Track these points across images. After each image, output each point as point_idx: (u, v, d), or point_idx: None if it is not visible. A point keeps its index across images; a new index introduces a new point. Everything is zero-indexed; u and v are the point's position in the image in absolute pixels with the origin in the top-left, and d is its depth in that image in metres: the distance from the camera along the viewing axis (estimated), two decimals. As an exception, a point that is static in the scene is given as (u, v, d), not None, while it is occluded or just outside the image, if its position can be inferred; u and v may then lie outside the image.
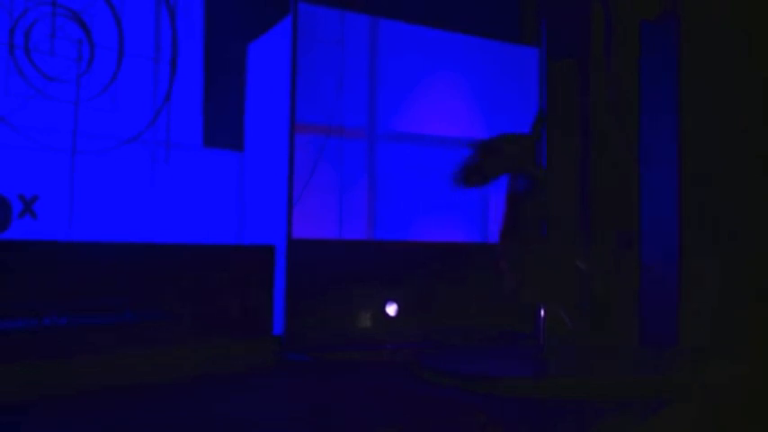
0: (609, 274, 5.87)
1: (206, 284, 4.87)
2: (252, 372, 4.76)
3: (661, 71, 5.77)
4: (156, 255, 4.77)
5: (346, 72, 5.88)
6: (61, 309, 4.30)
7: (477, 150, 5.00)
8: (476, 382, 4.33)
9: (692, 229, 5.44)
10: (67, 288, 4.35)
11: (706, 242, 5.38)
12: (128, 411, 3.81)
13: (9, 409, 3.73)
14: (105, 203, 5.17)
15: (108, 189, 5.19)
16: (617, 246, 5.91)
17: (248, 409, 3.89)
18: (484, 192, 6.36)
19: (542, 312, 4.99)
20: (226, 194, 5.88)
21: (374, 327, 5.78)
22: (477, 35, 6.38)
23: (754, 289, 5.08)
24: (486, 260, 6.21)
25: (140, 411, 3.81)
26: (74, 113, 5.00)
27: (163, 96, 5.46)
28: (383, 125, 6.06)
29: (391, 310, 6.02)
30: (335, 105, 5.82)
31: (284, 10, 5.55)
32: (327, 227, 5.75)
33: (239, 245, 5.58)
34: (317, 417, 3.78)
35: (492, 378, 4.32)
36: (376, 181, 5.99)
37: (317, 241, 5.60)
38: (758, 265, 5.11)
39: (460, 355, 5.21)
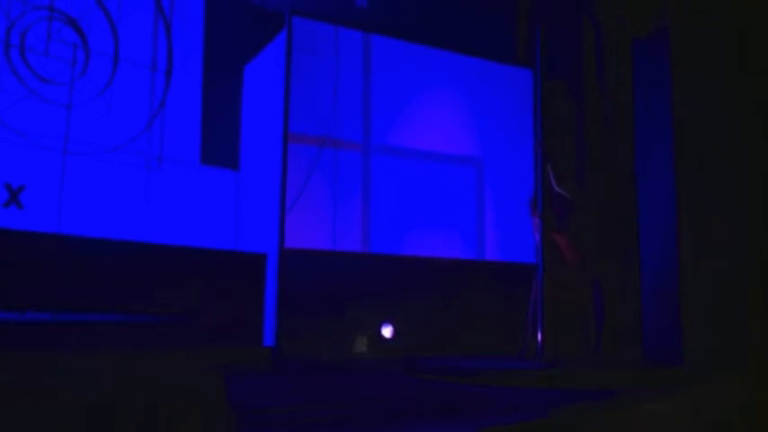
0: (612, 283, 5.76)
1: (195, 288, 4.76)
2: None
3: (654, 86, 5.80)
4: (146, 254, 4.68)
5: (341, 85, 5.91)
6: (44, 303, 4.18)
7: None
8: (472, 376, 4.19)
9: (691, 237, 5.36)
10: (52, 282, 4.25)
11: (705, 249, 5.29)
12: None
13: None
14: (95, 208, 5.09)
15: (100, 194, 5.13)
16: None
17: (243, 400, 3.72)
18: (480, 208, 6.32)
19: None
20: (221, 210, 5.82)
21: (369, 348, 5.63)
22: (473, 55, 6.44)
23: (756, 291, 4.96)
24: (482, 277, 6.15)
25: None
26: (66, 116, 5.00)
27: (157, 105, 5.47)
28: (378, 139, 6.05)
29: (387, 332, 5.88)
30: (331, 117, 5.82)
31: (279, 27, 5.62)
32: (321, 238, 5.66)
33: (229, 250, 5.48)
34: (316, 410, 3.62)
35: (487, 371, 4.17)
36: (370, 194, 5.94)
37: (310, 251, 5.50)
38: (760, 268, 5.01)
39: (457, 358, 5.09)
